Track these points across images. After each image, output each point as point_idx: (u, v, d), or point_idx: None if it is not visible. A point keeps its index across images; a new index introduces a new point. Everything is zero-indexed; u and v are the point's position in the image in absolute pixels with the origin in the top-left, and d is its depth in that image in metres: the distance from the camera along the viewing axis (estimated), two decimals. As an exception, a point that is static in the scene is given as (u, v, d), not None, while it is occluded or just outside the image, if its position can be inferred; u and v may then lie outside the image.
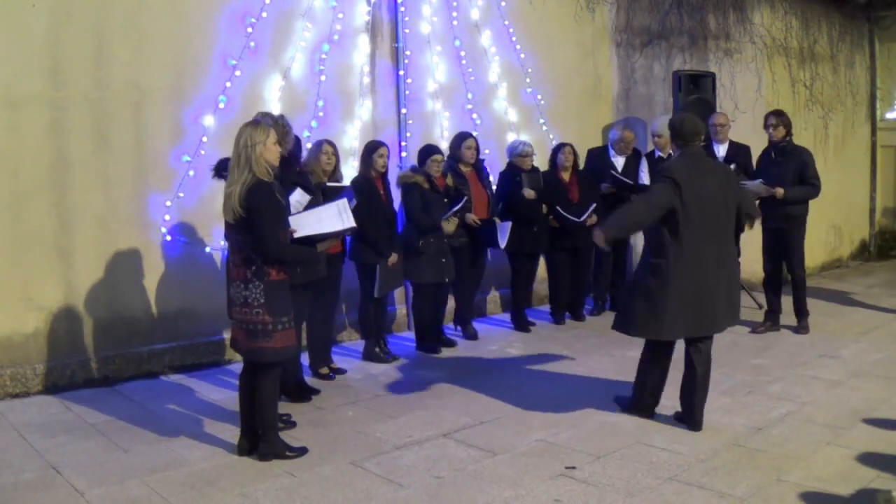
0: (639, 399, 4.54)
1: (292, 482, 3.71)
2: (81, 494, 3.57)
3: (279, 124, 4.49)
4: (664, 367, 4.44)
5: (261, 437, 3.98)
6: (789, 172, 6.26)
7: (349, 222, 4.08)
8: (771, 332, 6.56)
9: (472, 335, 6.54)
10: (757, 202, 6.27)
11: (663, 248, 4.20)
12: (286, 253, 3.86)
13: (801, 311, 6.59)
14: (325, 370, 5.40)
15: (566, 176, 6.88)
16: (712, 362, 4.46)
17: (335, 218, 4.05)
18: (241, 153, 3.74)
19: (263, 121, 3.95)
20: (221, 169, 4.50)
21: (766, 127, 6.44)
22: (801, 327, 6.54)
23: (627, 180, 6.95)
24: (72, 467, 3.88)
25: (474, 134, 6.67)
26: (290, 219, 3.99)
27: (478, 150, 6.48)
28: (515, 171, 6.64)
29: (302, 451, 4.04)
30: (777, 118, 6.37)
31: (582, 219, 6.68)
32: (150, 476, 3.77)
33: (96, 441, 4.25)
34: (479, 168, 6.55)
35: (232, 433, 4.35)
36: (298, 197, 4.32)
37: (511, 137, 7.47)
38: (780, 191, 6.17)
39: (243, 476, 3.78)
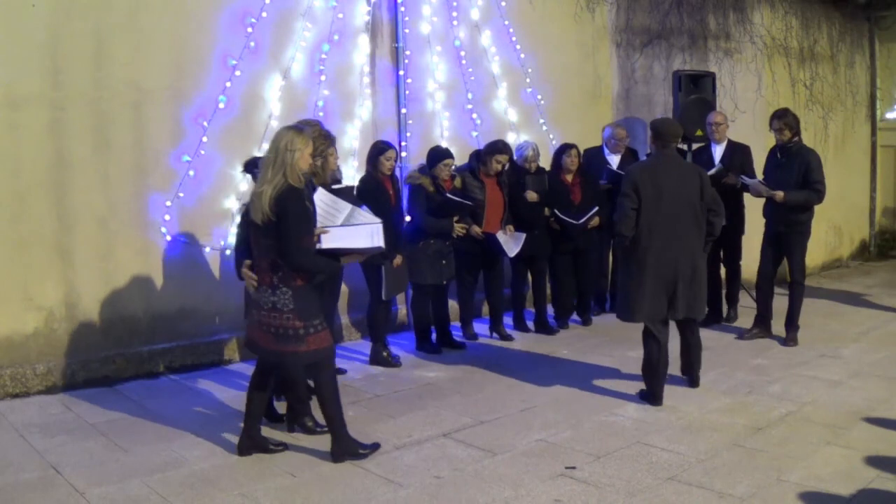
0: (647, 386, 4.89)
1: (292, 482, 3.71)
2: (81, 494, 3.57)
3: (326, 139, 4.48)
4: (654, 349, 4.80)
5: (332, 438, 3.97)
6: (793, 175, 5.96)
7: (379, 242, 4.05)
8: (759, 339, 6.33)
9: (506, 336, 6.55)
10: (763, 200, 6.26)
11: (631, 239, 4.74)
12: (308, 262, 3.81)
13: (792, 323, 6.25)
14: None
15: (569, 178, 6.80)
16: (713, 362, 5.14)
17: (366, 238, 4.01)
18: (279, 156, 3.71)
19: (306, 130, 3.93)
20: (252, 166, 4.48)
21: (771, 130, 6.14)
22: (790, 339, 6.20)
23: (623, 172, 6.90)
24: (72, 467, 3.88)
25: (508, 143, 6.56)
26: (324, 232, 3.94)
27: (504, 166, 6.34)
28: (520, 172, 6.58)
29: (375, 446, 4.04)
30: (780, 121, 6.00)
31: (581, 221, 6.63)
32: (150, 476, 3.76)
33: (96, 441, 4.25)
34: (500, 174, 6.42)
35: (232, 433, 4.35)
36: (321, 196, 4.32)
37: (511, 137, 7.46)
38: (779, 194, 5.93)
39: (243, 476, 3.78)
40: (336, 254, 3.94)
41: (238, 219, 5.94)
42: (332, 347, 3.98)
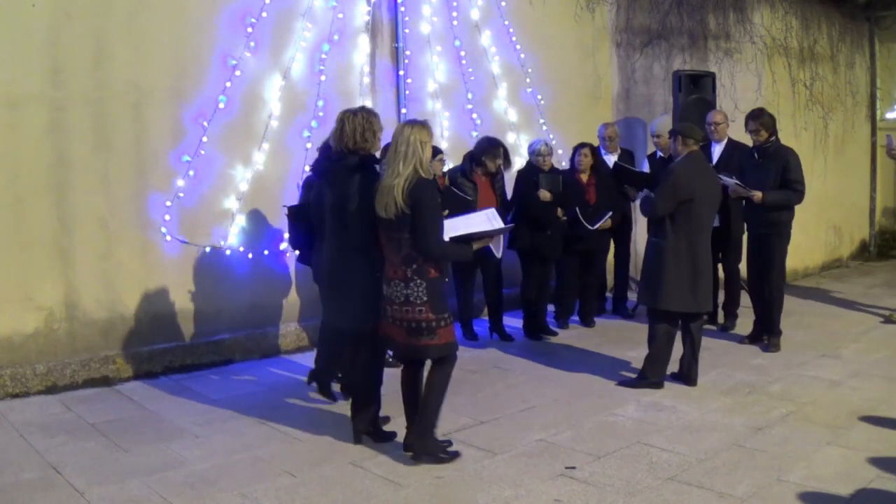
0: (650, 373, 5.13)
1: (292, 482, 3.71)
2: (81, 494, 3.57)
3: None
4: (667, 338, 5.12)
5: (416, 435, 3.92)
6: (771, 175, 5.86)
7: (499, 224, 4.08)
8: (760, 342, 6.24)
9: (506, 337, 6.55)
10: (740, 200, 6.19)
11: (663, 231, 5.01)
12: (446, 251, 3.85)
13: (772, 329, 6.11)
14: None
15: (584, 177, 6.73)
16: (713, 362, 5.34)
17: (485, 223, 4.04)
18: (409, 149, 3.74)
19: (427, 124, 3.94)
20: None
21: (746, 131, 6.08)
22: (772, 345, 6.06)
23: (635, 169, 6.82)
24: (72, 467, 3.88)
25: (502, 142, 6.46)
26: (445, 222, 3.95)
27: (504, 160, 6.32)
28: (534, 170, 6.48)
29: (455, 454, 3.97)
30: (756, 122, 5.93)
31: (594, 227, 6.58)
32: (150, 476, 3.77)
33: (96, 441, 4.25)
34: (495, 174, 6.38)
35: (231, 433, 4.35)
36: None
37: (511, 137, 7.47)
38: (758, 194, 5.80)
39: (243, 476, 3.78)
40: (468, 240, 3.93)
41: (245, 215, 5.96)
42: (457, 342, 3.97)
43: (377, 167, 4.04)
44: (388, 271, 3.88)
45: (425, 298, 3.77)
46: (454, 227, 3.96)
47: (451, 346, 3.91)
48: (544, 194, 6.35)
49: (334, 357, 4.89)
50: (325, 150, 4.48)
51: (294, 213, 4.96)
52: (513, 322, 6.86)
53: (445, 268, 3.93)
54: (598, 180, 6.77)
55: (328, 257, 4.23)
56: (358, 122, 4.09)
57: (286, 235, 6.10)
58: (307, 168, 6.00)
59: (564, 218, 6.55)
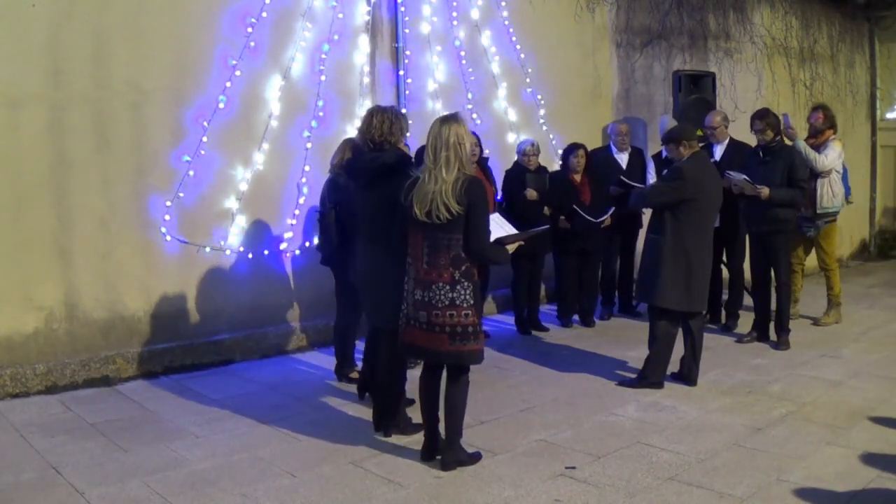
0: (650, 373, 5.13)
1: (292, 482, 3.71)
2: (81, 494, 3.57)
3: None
4: (670, 338, 5.11)
5: (447, 445, 3.87)
6: (777, 173, 5.93)
7: (508, 227, 4.04)
8: (758, 343, 6.26)
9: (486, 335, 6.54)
10: (740, 197, 6.19)
11: (663, 228, 4.98)
12: (496, 252, 3.80)
13: (782, 327, 6.16)
14: (354, 374, 5.28)
15: (577, 178, 6.74)
16: (713, 362, 5.30)
17: (500, 227, 3.98)
18: (452, 149, 3.62)
19: (461, 117, 3.83)
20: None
21: (752, 131, 6.13)
22: (781, 343, 6.10)
23: (634, 183, 6.84)
24: (72, 467, 3.88)
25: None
26: None
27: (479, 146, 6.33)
28: (521, 170, 6.54)
29: (477, 456, 3.97)
30: (762, 121, 5.99)
31: (599, 220, 6.60)
32: (150, 476, 3.77)
33: (96, 441, 4.25)
34: (484, 165, 6.40)
35: (231, 433, 4.35)
36: None
37: (511, 137, 7.46)
38: (765, 190, 5.84)
39: (243, 476, 3.78)
40: (500, 242, 3.87)
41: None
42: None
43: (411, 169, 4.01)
44: (425, 275, 3.71)
45: (472, 301, 3.69)
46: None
47: (483, 353, 3.86)
48: (531, 193, 6.41)
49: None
50: (356, 150, 4.48)
51: (325, 217, 5.03)
52: (509, 320, 6.88)
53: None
54: (592, 181, 6.79)
55: (370, 257, 4.22)
56: (386, 116, 4.16)
57: (286, 235, 6.12)
58: (307, 168, 6.05)
59: (562, 217, 6.57)
